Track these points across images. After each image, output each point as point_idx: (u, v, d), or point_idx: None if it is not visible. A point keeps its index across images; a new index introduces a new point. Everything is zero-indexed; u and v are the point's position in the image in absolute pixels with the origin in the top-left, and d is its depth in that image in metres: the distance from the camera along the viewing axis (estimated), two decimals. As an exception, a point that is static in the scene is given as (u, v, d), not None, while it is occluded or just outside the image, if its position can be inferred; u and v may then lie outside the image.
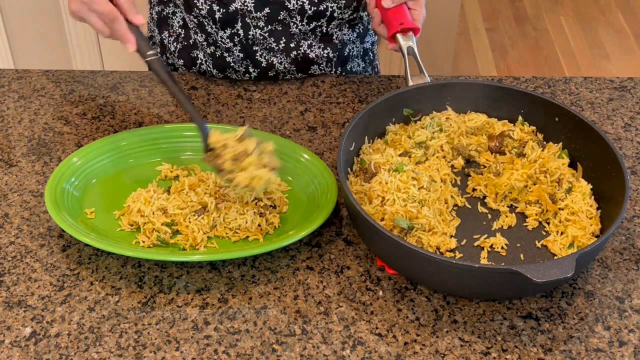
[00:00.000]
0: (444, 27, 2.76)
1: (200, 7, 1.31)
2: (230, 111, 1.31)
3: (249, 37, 1.33)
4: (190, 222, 1.05)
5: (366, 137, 1.16)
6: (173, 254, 1.02)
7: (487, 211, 1.10)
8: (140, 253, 1.00)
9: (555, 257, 1.02)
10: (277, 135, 1.22)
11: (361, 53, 1.48)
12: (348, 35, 1.42)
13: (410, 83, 1.19)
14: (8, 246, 1.06)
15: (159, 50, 1.46)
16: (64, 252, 1.05)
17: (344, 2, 1.33)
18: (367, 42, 1.49)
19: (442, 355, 0.93)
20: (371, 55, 1.52)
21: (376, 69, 1.56)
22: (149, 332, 0.95)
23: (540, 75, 2.94)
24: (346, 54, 1.43)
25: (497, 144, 1.16)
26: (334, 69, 1.42)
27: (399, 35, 1.21)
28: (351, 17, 1.38)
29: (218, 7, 1.30)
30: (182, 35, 1.40)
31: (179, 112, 1.31)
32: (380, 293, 1.00)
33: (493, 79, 1.39)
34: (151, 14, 1.46)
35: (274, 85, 1.38)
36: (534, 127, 1.18)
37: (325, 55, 1.39)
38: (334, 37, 1.39)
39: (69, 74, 1.40)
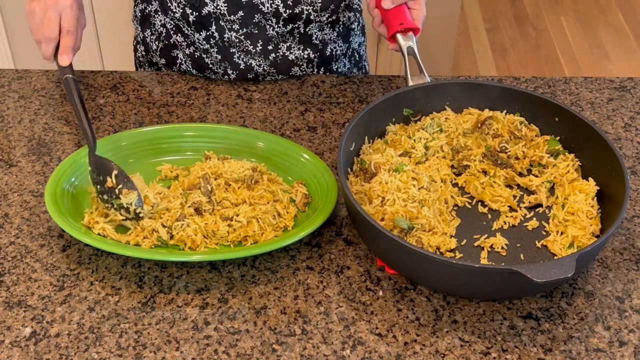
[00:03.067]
0: (444, 27, 2.76)
1: (174, 10, 1.31)
2: (230, 111, 1.31)
3: (225, 39, 1.33)
4: (179, 226, 1.05)
5: (366, 137, 1.16)
6: (173, 254, 1.02)
7: (487, 211, 1.10)
8: (140, 253, 1.00)
9: (555, 257, 1.02)
10: (277, 135, 1.22)
11: (348, 53, 1.47)
12: (329, 34, 1.41)
13: (410, 83, 1.19)
14: (8, 246, 1.06)
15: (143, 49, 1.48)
16: (64, 252, 1.05)
17: (320, 4, 1.32)
18: (354, 42, 1.47)
19: (442, 355, 0.93)
20: (357, 56, 1.50)
21: (364, 70, 1.55)
22: (149, 332, 0.95)
23: (540, 75, 2.94)
24: (328, 53, 1.42)
25: (480, 125, 1.17)
26: (315, 70, 1.42)
27: (399, 35, 1.21)
28: (330, 19, 1.37)
29: (191, 11, 1.30)
30: (164, 34, 1.39)
31: (179, 112, 1.31)
32: (380, 293, 1.00)
33: (493, 79, 1.39)
34: (135, 11, 1.45)
35: (274, 85, 1.38)
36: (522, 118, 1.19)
37: (305, 56, 1.38)
38: (314, 38, 1.38)
39: (69, 74, 1.40)
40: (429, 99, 1.20)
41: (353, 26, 1.46)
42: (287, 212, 1.09)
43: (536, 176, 1.13)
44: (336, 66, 1.45)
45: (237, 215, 1.06)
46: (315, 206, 1.09)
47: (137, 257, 1.01)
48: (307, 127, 1.28)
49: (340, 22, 1.41)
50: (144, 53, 1.48)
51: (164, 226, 1.04)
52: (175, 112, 1.31)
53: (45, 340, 0.94)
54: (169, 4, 1.31)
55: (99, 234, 1.04)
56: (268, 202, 1.09)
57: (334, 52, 1.42)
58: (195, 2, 1.28)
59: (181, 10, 1.31)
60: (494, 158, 1.14)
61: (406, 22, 1.20)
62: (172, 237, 1.04)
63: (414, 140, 1.16)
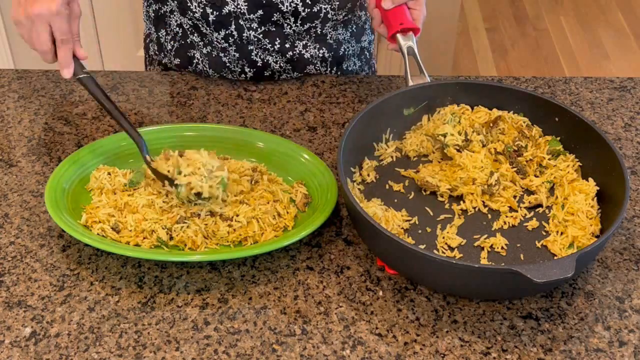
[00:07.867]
0: (444, 27, 2.76)
1: (194, 10, 1.31)
2: (230, 111, 1.31)
3: (244, 38, 1.33)
4: (179, 228, 1.05)
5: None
6: (173, 254, 1.02)
7: (487, 211, 1.10)
8: (140, 253, 1.00)
9: (555, 257, 1.02)
10: (277, 135, 1.22)
11: (357, 52, 1.48)
12: (342, 34, 1.41)
13: (410, 83, 1.19)
14: (8, 246, 1.06)
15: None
16: (64, 252, 1.05)
17: (337, 3, 1.33)
18: (364, 41, 1.49)
19: (442, 355, 0.93)
20: (367, 54, 1.52)
21: (373, 68, 1.56)
22: (149, 332, 0.95)
23: (540, 75, 2.94)
24: (341, 53, 1.43)
25: (492, 125, 1.17)
26: (329, 69, 1.42)
27: (399, 36, 1.21)
28: (345, 17, 1.38)
29: (211, 10, 1.30)
30: (180, 34, 1.39)
31: (179, 112, 1.31)
32: (380, 293, 1.00)
33: (493, 79, 1.39)
34: (147, 11, 1.45)
35: (274, 85, 1.38)
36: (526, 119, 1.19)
37: (320, 55, 1.39)
38: (328, 37, 1.39)
39: (69, 74, 1.40)
40: (429, 99, 1.20)
41: (366, 26, 1.47)
42: (287, 212, 1.09)
43: (536, 176, 1.13)
44: (346, 65, 1.46)
45: (237, 216, 1.06)
46: (315, 206, 1.10)
47: (137, 257, 1.01)
48: (307, 127, 1.28)
49: (353, 22, 1.42)
50: (156, 52, 1.48)
51: (163, 228, 1.04)
52: (175, 112, 1.31)
53: (45, 340, 0.94)
54: (189, 4, 1.31)
55: (98, 234, 1.04)
56: (268, 202, 1.09)
57: (346, 52, 1.44)
58: (216, 1, 1.29)
59: (201, 10, 1.31)
60: (511, 160, 1.14)
61: (406, 22, 1.20)
62: (171, 238, 1.04)
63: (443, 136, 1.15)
